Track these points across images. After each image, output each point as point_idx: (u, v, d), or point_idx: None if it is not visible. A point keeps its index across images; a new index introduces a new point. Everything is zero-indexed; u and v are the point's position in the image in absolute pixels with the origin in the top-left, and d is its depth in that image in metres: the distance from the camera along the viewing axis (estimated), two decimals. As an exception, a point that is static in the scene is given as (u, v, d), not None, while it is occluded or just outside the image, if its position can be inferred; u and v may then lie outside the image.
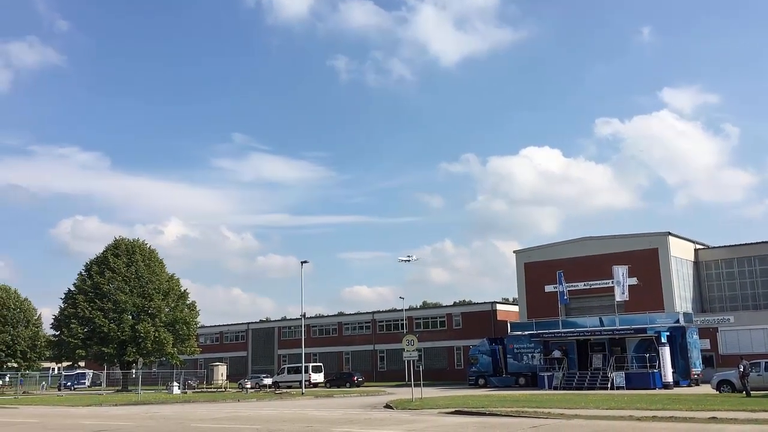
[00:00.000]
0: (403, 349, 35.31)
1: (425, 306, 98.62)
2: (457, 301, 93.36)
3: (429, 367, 63.16)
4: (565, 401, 28.75)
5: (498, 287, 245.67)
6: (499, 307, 69.61)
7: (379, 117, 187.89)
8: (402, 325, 72.09)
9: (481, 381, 53.32)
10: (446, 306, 79.92)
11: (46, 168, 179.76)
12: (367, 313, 79.87)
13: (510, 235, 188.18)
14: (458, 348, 68.46)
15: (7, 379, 72.09)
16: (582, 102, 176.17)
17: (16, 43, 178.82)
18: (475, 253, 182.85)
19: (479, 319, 68.18)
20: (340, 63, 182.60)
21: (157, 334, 64.41)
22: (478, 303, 73.71)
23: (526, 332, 52.40)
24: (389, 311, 79.19)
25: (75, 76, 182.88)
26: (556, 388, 44.56)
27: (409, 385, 36.67)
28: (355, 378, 61.98)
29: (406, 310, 73.24)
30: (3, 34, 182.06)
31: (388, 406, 30.50)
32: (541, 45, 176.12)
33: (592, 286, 56.96)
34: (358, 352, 76.63)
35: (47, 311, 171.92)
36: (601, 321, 49.96)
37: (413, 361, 35.50)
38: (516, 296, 66.75)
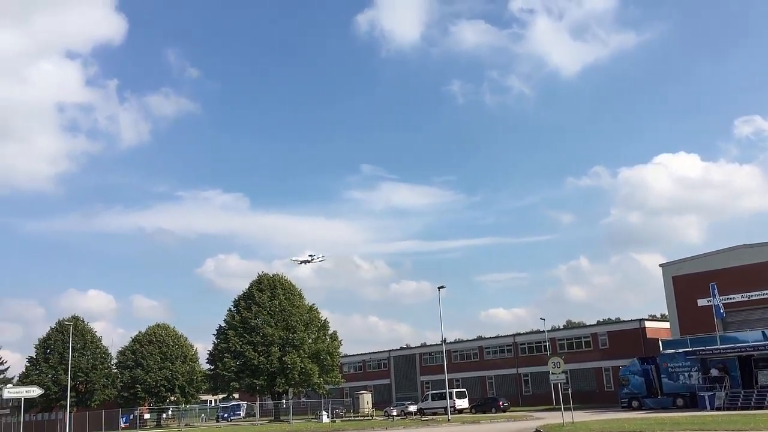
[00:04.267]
0: (549, 372, 34.28)
1: (568, 326, 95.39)
2: (602, 320, 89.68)
3: (577, 390, 60.76)
4: (731, 423, 26.72)
5: (643, 303, 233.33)
6: (647, 324, 66.01)
7: (501, 136, 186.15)
8: (545, 347, 70.03)
9: (635, 403, 50.58)
10: (590, 325, 76.90)
11: (191, 211, 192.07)
12: (508, 335, 78.30)
13: (651, 247, 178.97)
14: (606, 369, 65.50)
15: (170, 412, 76.56)
16: (717, 101, 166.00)
17: (153, 95, 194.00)
18: (614, 268, 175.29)
19: (627, 338, 64.93)
20: (455, 87, 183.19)
21: (302, 365, 65.93)
22: (624, 321, 70.35)
23: (681, 350, 49.28)
24: (531, 333, 77.24)
25: (209, 122, 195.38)
26: (719, 409, 41.48)
27: (557, 409, 35.51)
28: (501, 403, 60.79)
29: (548, 331, 71.16)
30: (141, 88, 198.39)
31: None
32: (667, 45, 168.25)
33: (751, 298, 52.82)
34: (500, 376, 75.14)
35: (200, 346, 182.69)
36: (764, 335, 46.12)
37: (560, 383, 34.34)
38: (665, 312, 63.10)
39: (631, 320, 67.88)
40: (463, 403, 63.20)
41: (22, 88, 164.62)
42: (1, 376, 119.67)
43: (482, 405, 62.09)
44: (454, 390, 64.60)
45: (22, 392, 41.53)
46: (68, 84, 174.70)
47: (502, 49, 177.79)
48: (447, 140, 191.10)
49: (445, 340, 55.51)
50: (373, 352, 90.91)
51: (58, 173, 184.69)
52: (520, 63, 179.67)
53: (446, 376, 56.88)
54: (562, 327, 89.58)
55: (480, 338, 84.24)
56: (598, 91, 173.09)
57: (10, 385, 68.28)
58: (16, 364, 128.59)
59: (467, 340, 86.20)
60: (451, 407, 56.47)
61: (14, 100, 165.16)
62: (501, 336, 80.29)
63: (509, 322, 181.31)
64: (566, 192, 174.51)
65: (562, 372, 34.07)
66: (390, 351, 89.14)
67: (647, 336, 63.40)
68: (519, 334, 77.42)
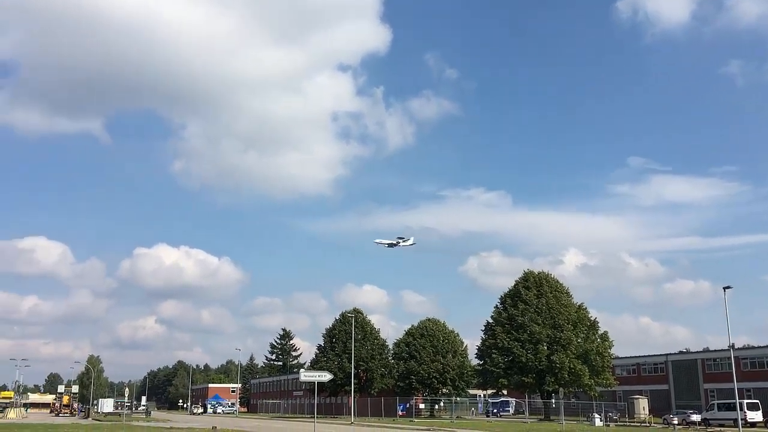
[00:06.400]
0: None
1: None
2: None
3: None
4: None
5: None
6: None
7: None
8: None
9: None
10: None
11: (454, 209, 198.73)
12: (812, 343, 68.64)
13: None
14: None
15: (442, 404, 79.58)
16: None
17: (415, 99, 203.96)
18: None
19: None
20: (733, 68, 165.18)
21: (571, 365, 64.31)
22: None
23: None
24: (841, 342, 66.94)
25: (469, 121, 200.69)
26: None
27: None
28: (804, 419, 53.59)
29: None
30: (404, 93, 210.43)
31: None
32: None
33: None
34: (803, 388, 66.15)
35: (467, 342, 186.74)
36: None
37: None
38: None
39: None
40: (755, 416, 56.82)
41: (302, 101, 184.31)
42: (295, 361, 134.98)
43: (781, 420, 55.26)
44: (745, 401, 58.32)
45: (315, 376, 45.94)
46: (341, 94, 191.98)
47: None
48: (726, 127, 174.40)
49: (733, 346, 50.19)
50: (648, 356, 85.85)
51: (335, 177, 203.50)
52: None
53: (735, 386, 51.51)
54: None
55: (776, 345, 74.92)
56: None
57: (302, 370, 76.48)
58: (305, 351, 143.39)
59: (760, 347, 77.17)
60: (741, 419, 51.03)
61: (297, 112, 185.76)
62: (803, 343, 70.71)
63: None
64: None
65: None
66: (667, 355, 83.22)
67: None
68: (827, 342, 67.49)
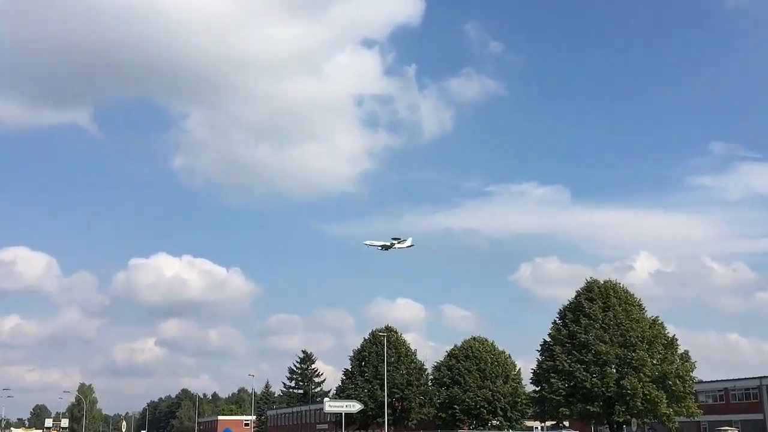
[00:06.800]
0: None
1: None
2: None
3: None
4: None
5: None
6: None
7: None
8: None
9: None
10: None
11: (503, 207, 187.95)
12: None
13: None
14: None
15: (491, 439, 73.18)
16: None
17: (454, 78, 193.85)
18: None
19: None
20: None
21: (645, 391, 58.16)
22: None
23: None
24: None
25: (516, 103, 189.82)
26: None
27: None
28: None
29: None
30: (441, 71, 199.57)
31: None
32: None
33: None
34: None
35: (519, 364, 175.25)
36: None
37: None
38: None
39: None
40: None
41: (321, 84, 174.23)
42: (318, 388, 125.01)
43: None
44: None
45: (342, 406, 38.81)
46: (366, 74, 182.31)
47: None
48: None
49: None
50: (738, 379, 77.66)
51: (360, 172, 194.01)
52: None
53: None
54: None
55: None
56: None
57: (327, 399, 69.75)
58: (330, 377, 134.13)
59: None
60: None
61: (315, 96, 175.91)
62: None
63: None
64: None
65: None
66: (761, 378, 75.02)
67: None
68: None
